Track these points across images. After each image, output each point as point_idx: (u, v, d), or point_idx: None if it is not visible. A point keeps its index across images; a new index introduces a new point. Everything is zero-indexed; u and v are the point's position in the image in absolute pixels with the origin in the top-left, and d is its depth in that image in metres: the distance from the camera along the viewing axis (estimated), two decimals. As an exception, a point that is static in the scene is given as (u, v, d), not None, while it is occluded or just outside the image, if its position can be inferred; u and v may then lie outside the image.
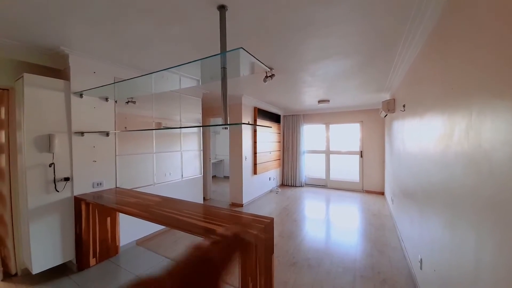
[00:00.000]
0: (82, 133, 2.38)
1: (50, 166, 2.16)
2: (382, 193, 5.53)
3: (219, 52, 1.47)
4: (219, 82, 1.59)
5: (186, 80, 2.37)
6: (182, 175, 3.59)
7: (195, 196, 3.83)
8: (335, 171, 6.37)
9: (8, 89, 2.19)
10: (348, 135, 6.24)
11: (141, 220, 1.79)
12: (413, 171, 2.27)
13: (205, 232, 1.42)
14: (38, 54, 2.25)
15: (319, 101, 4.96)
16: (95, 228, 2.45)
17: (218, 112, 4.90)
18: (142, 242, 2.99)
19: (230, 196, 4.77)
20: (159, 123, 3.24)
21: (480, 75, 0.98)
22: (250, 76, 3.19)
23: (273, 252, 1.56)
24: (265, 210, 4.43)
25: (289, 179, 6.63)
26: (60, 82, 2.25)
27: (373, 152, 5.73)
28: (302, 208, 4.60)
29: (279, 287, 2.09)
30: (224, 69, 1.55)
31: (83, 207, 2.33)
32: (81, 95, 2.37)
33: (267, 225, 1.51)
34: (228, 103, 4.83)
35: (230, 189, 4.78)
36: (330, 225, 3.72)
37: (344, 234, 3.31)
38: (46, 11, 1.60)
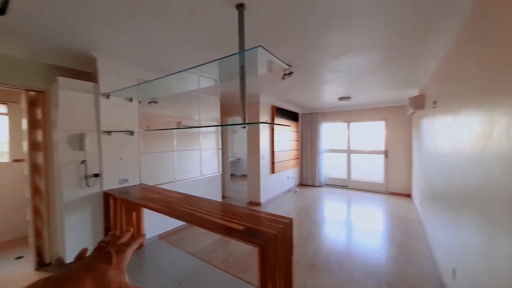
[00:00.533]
0: (109, 132, 2.52)
1: (82, 163, 2.32)
2: (409, 195, 5.21)
3: (237, 51, 1.46)
4: (237, 81, 1.59)
5: (204, 80, 2.40)
6: (201, 173, 3.67)
7: (214, 193, 3.90)
8: (357, 171, 6.11)
9: (44, 92, 2.39)
10: (371, 133, 5.95)
11: (164, 215, 1.85)
12: (445, 172, 2.10)
13: (223, 229, 1.43)
14: (70, 58, 2.42)
15: (340, 98, 4.78)
16: (122, 221, 2.59)
17: (236, 111, 4.94)
18: (165, 237, 3.11)
19: (248, 195, 4.79)
20: (179, 122, 3.34)
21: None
22: (267, 74, 3.16)
23: (292, 253, 1.53)
24: (283, 209, 4.38)
25: (307, 179, 6.50)
26: (89, 85, 2.40)
27: (399, 152, 5.41)
28: (322, 208, 4.48)
29: (298, 289, 2.05)
30: (242, 68, 1.55)
31: (111, 201, 2.47)
32: (108, 96, 2.51)
33: (286, 225, 1.48)
34: (246, 102, 4.83)
35: (248, 188, 4.80)
36: (351, 227, 3.58)
37: (367, 237, 3.17)
38: (76, 18, 1.70)
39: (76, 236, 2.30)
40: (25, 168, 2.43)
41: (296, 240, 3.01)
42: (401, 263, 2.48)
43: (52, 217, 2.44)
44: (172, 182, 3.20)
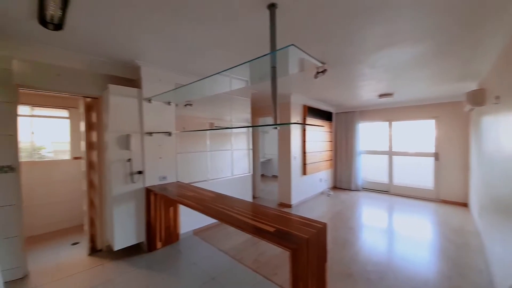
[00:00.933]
0: (151, 133, 2.74)
1: (128, 161, 2.57)
2: (465, 204, 4.54)
3: (269, 52, 1.44)
4: (268, 82, 1.57)
5: (236, 81, 2.44)
6: (232, 173, 3.75)
7: (245, 193, 3.94)
8: (401, 175, 5.54)
9: (98, 98, 2.71)
10: (418, 133, 5.36)
11: (197, 212, 1.93)
12: (511, 179, 1.76)
13: (254, 230, 1.42)
14: (118, 67, 2.70)
15: (380, 95, 4.40)
16: (161, 216, 2.79)
17: (267, 112, 4.92)
18: (198, 232, 3.25)
19: (279, 196, 4.73)
20: (212, 123, 3.46)
21: None
22: (299, 74, 3.08)
23: (326, 261, 1.45)
24: (315, 213, 4.22)
25: (342, 182, 6.15)
26: (134, 90, 2.64)
27: (453, 154, 4.75)
28: (359, 214, 4.18)
29: (331, 298, 1.94)
30: (273, 68, 1.52)
31: (152, 197, 2.68)
32: (150, 101, 2.73)
33: (319, 230, 1.40)
34: (277, 102, 4.75)
35: (278, 189, 4.74)
36: (394, 236, 3.26)
37: (413, 249, 2.84)
38: (123, 30, 1.88)
39: (122, 227, 2.54)
40: (82, 165, 2.78)
41: (329, 246, 2.86)
42: (453, 279, 2.16)
43: (104, 208, 2.74)
44: (205, 180, 3.33)
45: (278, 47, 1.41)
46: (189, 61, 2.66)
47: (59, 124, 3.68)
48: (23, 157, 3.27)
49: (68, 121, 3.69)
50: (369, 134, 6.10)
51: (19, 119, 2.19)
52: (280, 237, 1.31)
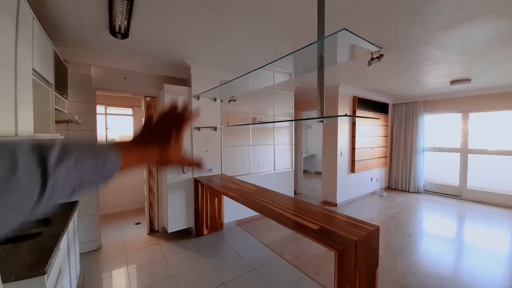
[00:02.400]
0: (199, 128, 2.93)
1: (179, 153, 2.81)
2: None
3: (316, 40, 1.34)
4: (312, 74, 1.47)
5: (279, 75, 2.39)
6: (274, 168, 3.73)
7: (286, 189, 3.88)
8: (476, 177, 4.60)
9: (155, 97, 3.02)
10: (501, 127, 4.34)
11: (240, 204, 1.98)
12: None
13: (296, 226, 1.37)
14: (172, 68, 2.95)
15: (453, 82, 3.69)
16: (207, 205, 2.98)
17: (311, 105, 4.71)
18: (241, 223, 3.36)
19: (322, 194, 4.51)
20: (255, 118, 3.49)
21: None
22: (349, 62, 2.81)
23: (377, 266, 1.30)
24: (364, 214, 3.87)
25: (399, 182, 5.47)
26: (185, 89, 2.86)
27: (555, 153, 3.69)
28: (419, 220, 3.66)
29: (383, 309, 1.75)
30: (321, 57, 1.41)
31: (199, 187, 2.88)
32: (198, 98, 2.91)
33: (370, 233, 1.26)
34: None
35: (322, 186, 4.52)
36: (464, 248, 2.75)
37: (486, 265, 2.33)
38: (176, 34, 2.04)
39: (175, 212, 2.82)
40: (144, 156, 3.17)
41: (381, 251, 2.57)
42: None
43: (160, 194, 3.09)
44: (247, 174, 3.41)
45: (326, 33, 1.30)
46: (234, 58, 2.73)
47: (125, 121, 4.28)
48: (101, 148, 3.92)
49: (131, 118, 4.26)
50: (435, 128, 5.23)
51: (97, 117, 2.62)
52: (324, 236, 1.23)
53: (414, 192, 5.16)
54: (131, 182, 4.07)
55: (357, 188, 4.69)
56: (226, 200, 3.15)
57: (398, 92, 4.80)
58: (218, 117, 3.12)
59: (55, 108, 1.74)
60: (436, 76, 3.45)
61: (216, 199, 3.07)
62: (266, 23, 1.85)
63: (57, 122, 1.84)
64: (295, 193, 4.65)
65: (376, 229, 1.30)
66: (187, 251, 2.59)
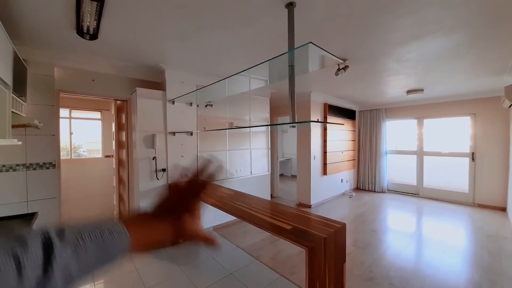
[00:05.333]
0: (174, 133, 2.88)
1: (153, 159, 2.73)
2: (504, 209, 4.10)
3: (286, 51, 1.44)
4: (286, 81, 1.57)
5: (255, 81, 2.47)
6: (251, 172, 3.79)
7: (263, 192, 3.96)
8: (432, 177, 5.17)
9: (126, 100, 2.91)
10: (452, 131, 4.96)
11: (216, 209, 1.99)
12: None
13: (271, 227, 1.43)
14: (145, 71, 2.87)
15: (409, 91, 4.14)
16: (183, 212, 2.91)
17: (286, 111, 4.89)
18: (218, 229, 3.34)
19: (297, 196, 4.68)
20: (232, 123, 3.53)
21: None
22: (319, 71, 3.02)
23: (344, 261, 1.41)
24: (336, 214, 4.10)
25: (366, 183, 5.90)
26: (159, 93, 2.80)
27: (491, 154, 4.32)
28: (383, 217, 3.99)
29: (352, 301, 1.88)
30: (292, 67, 1.52)
31: (174, 194, 2.81)
32: (173, 102, 2.87)
33: (338, 230, 1.37)
34: (296, 101, 4.72)
35: (297, 189, 4.69)
36: (422, 242, 3.06)
37: (442, 256, 2.64)
38: (150, 37, 2.01)
39: (148, 221, 2.70)
40: (113, 162, 3.01)
41: (350, 248, 2.77)
42: (483, 287, 1.98)
43: (131, 203, 2.94)
44: (224, 179, 3.41)
45: (296, 45, 1.41)
46: (210, 63, 2.75)
47: (92, 125, 4.02)
48: (62, 155, 3.63)
49: (100, 122, 4.01)
50: (396, 133, 5.77)
51: (60, 120, 2.44)
52: (297, 235, 1.30)
53: (379, 192, 5.60)
54: (99, 191, 3.81)
55: (329, 190, 4.96)
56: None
57: (364, 100, 5.23)
58: (194, 122, 3.10)
59: (12, 112, 1.59)
60: (394, 86, 3.85)
61: (192, 205, 3.02)
62: (242, 30, 1.92)
63: (13, 126, 1.68)
64: (271, 196, 4.75)
65: (343, 226, 1.41)
66: (161, 261, 2.50)
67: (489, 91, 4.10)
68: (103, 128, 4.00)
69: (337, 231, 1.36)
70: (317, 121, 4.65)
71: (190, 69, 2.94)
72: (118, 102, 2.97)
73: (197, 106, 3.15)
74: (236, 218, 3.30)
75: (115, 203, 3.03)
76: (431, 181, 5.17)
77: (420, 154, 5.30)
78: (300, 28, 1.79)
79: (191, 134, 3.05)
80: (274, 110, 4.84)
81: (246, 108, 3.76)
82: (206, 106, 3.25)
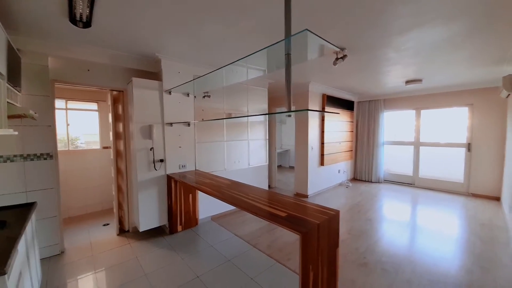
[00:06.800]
0: (171, 124, 2.88)
1: (150, 150, 2.74)
2: (498, 199, 4.19)
3: (282, 39, 1.42)
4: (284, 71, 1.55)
5: (252, 71, 2.45)
6: (249, 163, 3.82)
7: (261, 183, 4.01)
8: (427, 167, 5.23)
9: (123, 91, 2.88)
10: (449, 122, 4.97)
11: (216, 199, 2.02)
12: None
13: (266, 215, 1.47)
14: (141, 61, 2.83)
15: (407, 82, 4.12)
16: (181, 201, 2.96)
17: (284, 102, 4.86)
18: (216, 218, 3.40)
19: (295, 186, 4.74)
20: (229, 114, 3.53)
21: None
22: (318, 61, 2.99)
23: (338, 246, 1.46)
24: (332, 203, 4.17)
25: (362, 173, 5.97)
26: (156, 83, 2.77)
27: (487, 145, 4.36)
28: (379, 206, 4.06)
29: (345, 284, 1.95)
30: (288, 55, 1.50)
31: (173, 184, 2.85)
32: (170, 92, 2.85)
33: (332, 217, 1.41)
34: (294, 91, 4.68)
35: (295, 179, 4.75)
36: (416, 230, 3.13)
37: (435, 243, 2.72)
38: (146, 25, 1.97)
39: (146, 210, 2.75)
40: (111, 154, 3.01)
41: (345, 236, 2.84)
42: (475, 274, 2.06)
43: (130, 193, 2.98)
44: (222, 170, 3.44)
45: (295, 32, 1.39)
46: (207, 54, 2.71)
47: (90, 117, 3.99)
48: (60, 147, 3.63)
49: (97, 113, 3.99)
50: (394, 124, 5.79)
51: (56, 111, 2.43)
52: (291, 222, 1.34)
53: (376, 182, 5.68)
54: (97, 182, 3.84)
55: (326, 180, 5.02)
56: (201, 196, 3.16)
57: (362, 91, 5.20)
58: (191, 112, 3.09)
59: (7, 102, 1.58)
60: (393, 76, 3.82)
61: (190, 195, 3.06)
62: (240, 18, 1.89)
63: (9, 117, 1.68)
64: (269, 187, 4.81)
65: (337, 213, 1.45)
66: (160, 249, 2.56)
67: (487, 82, 4.09)
68: (100, 119, 3.98)
69: (331, 218, 1.40)
70: (311, 110, 4.63)
71: (187, 59, 2.91)
72: (114, 92, 2.94)
73: (194, 97, 3.13)
74: (234, 207, 3.36)
75: (113, 193, 3.06)
76: (427, 171, 5.24)
77: (416, 144, 5.34)
78: (298, 17, 1.76)
79: (189, 124, 3.04)
80: (273, 101, 4.82)
81: (244, 99, 3.74)
82: (204, 97, 3.23)
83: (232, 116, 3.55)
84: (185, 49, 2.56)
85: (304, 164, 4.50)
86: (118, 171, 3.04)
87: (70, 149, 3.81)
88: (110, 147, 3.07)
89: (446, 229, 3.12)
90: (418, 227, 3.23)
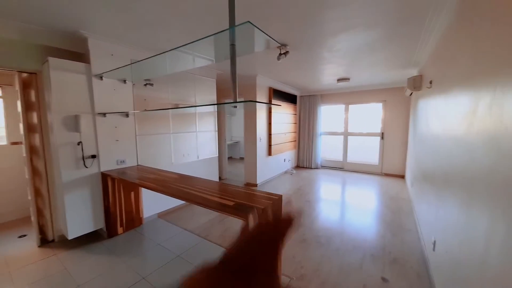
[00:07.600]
0: (104, 114, 2.53)
1: (78, 144, 2.36)
2: (403, 177, 5.33)
3: (227, 28, 1.43)
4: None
5: (200, 60, 2.36)
6: (198, 156, 3.73)
7: (211, 175, 3.99)
8: (353, 154, 6.22)
9: (36, 73, 2.36)
10: (369, 115, 5.95)
11: (162, 195, 1.93)
12: (434, 153, 2.15)
13: (215, 205, 1.50)
14: (61, 38, 2.36)
15: (338, 80, 4.71)
16: (121, 200, 2.69)
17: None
18: (163, 215, 3.24)
19: (245, 177, 4.90)
20: (176, 105, 3.33)
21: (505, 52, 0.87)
22: (264, 55, 3.11)
23: (280, 227, 1.62)
24: (279, 190, 4.51)
25: (304, 161, 6.61)
26: (81, 65, 2.37)
27: (395, 134, 5.46)
28: (317, 189, 4.61)
29: (287, 260, 2.19)
30: (233, 46, 1.52)
31: (109, 182, 2.55)
32: (101, 78, 2.49)
33: (275, 201, 1.55)
34: (242, 83, 4.75)
35: (244, 170, 4.90)
36: (344, 206, 3.72)
37: (358, 216, 3.30)
38: (61, -7, 1.65)
39: (76, 214, 2.40)
40: (23, 150, 2.47)
41: (289, 218, 3.14)
42: (387, 238, 2.62)
43: (53, 196, 2.53)
44: (169, 164, 3.27)
45: (237, 23, 1.41)
46: (147, 35, 2.46)
47: (-14, 104, 3.14)
48: None
49: (1, 100, 3.16)
50: (329, 117, 6.56)
51: None
52: (238, 210, 1.41)
53: (315, 168, 6.40)
54: (6, 187, 3.11)
55: (273, 169, 5.36)
56: (145, 193, 2.93)
57: (303, 86, 5.68)
58: (130, 101, 2.78)
59: None
60: (327, 74, 4.30)
61: (132, 193, 2.81)
62: (183, 2, 1.78)
63: None
64: (220, 178, 4.83)
65: (279, 197, 1.60)
66: (97, 255, 2.30)
67: (397, 82, 5.05)
68: (5, 108, 3.17)
69: (274, 202, 1.54)
70: (256, 101, 4.83)
71: (122, 41, 2.57)
72: (24, 75, 2.37)
73: (133, 84, 2.83)
74: (182, 202, 3.26)
75: (30, 198, 2.54)
76: (353, 157, 6.21)
77: (345, 134, 6.23)
78: (244, 4, 1.78)
79: (127, 115, 2.75)
80: (221, 92, 4.76)
81: (191, 89, 3.58)
82: (145, 85, 2.94)
83: (179, 107, 3.36)
84: (119, 28, 2.26)
85: (253, 154, 4.68)
86: (34, 171, 2.52)
87: (-45, 146, 2.93)
88: (21, 143, 2.50)
89: (366, 203, 3.81)
90: (346, 203, 3.84)
